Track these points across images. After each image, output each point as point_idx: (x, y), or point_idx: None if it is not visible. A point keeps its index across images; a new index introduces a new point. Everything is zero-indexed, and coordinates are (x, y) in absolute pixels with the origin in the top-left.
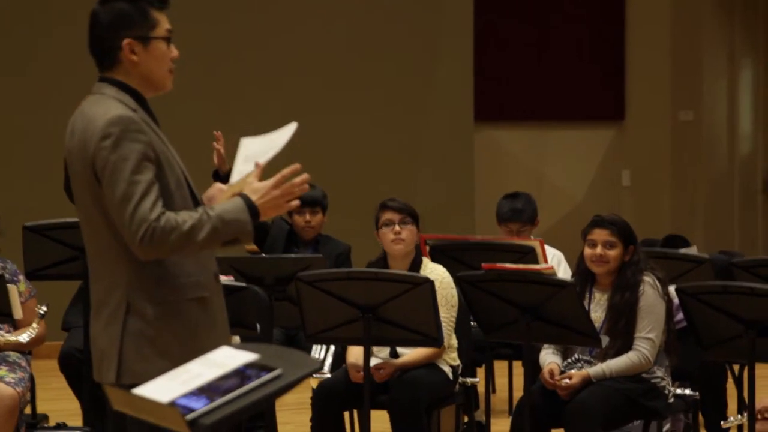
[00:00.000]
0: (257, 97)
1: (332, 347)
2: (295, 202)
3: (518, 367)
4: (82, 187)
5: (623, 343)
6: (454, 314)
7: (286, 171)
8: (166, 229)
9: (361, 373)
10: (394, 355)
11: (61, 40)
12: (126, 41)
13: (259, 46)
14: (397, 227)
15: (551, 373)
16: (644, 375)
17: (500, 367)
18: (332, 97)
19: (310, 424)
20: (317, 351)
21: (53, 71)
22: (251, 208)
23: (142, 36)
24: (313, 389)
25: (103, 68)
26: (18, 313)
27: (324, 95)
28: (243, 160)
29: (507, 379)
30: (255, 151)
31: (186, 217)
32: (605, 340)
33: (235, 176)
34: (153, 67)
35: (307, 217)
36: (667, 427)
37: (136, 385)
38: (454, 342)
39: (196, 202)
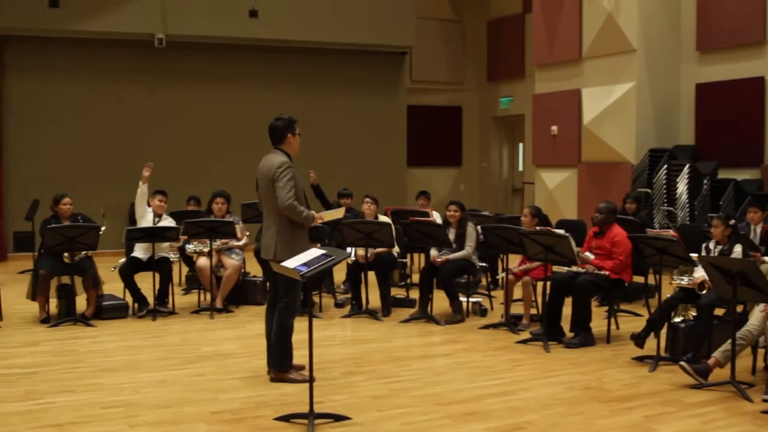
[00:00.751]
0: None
1: (354, 249)
2: (321, 220)
3: (422, 255)
4: (266, 186)
5: (461, 247)
6: (394, 234)
7: (324, 217)
8: (297, 206)
9: (363, 259)
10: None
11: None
12: (289, 135)
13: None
14: (369, 204)
15: (434, 257)
16: (470, 259)
17: (416, 255)
18: (345, 155)
19: (344, 278)
20: (349, 250)
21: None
22: (312, 218)
23: (294, 133)
24: (347, 264)
25: (275, 143)
26: (239, 234)
27: (341, 153)
28: (329, 212)
29: (418, 260)
30: (331, 211)
31: (301, 207)
32: (455, 246)
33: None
34: (296, 145)
35: (345, 200)
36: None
37: (281, 260)
38: (396, 245)
39: (306, 202)
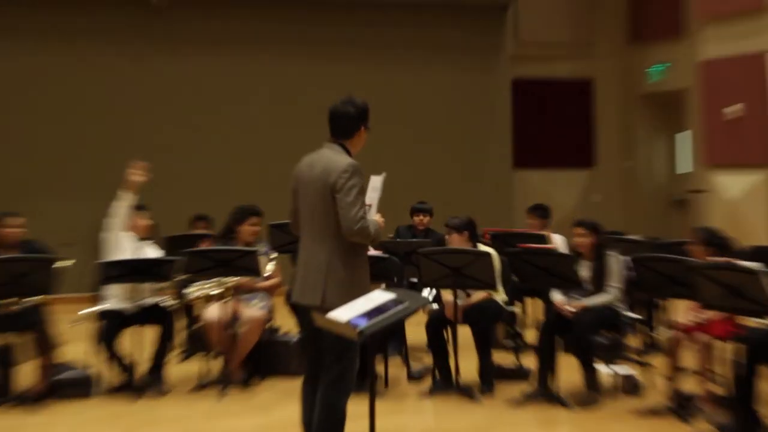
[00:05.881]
0: (383, 147)
1: (434, 290)
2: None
3: (540, 302)
4: (319, 196)
5: (599, 288)
6: (498, 274)
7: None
8: (369, 228)
9: (451, 310)
10: (469, 296)
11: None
12: (362, 128)
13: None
14: (455, 235)
15: (559, 304)
16: (614, 307)
17: (529, 301)
18: (424, 151)
19: (425, 335)
20: (426, 292)
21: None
22: (378, 227)
23: (367, 125)
24: (428, 315)
25: (338, 136)
26: (264, 271)
27: (418, 148)
28: (371, 189)
29: (533, 308)
30: (372, 186)
31: (370, 225)
32: (591, 287)
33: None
34: (362, 142)
35: (421, 217)
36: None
37: (332, 308)
38: (501, 288)
39: None
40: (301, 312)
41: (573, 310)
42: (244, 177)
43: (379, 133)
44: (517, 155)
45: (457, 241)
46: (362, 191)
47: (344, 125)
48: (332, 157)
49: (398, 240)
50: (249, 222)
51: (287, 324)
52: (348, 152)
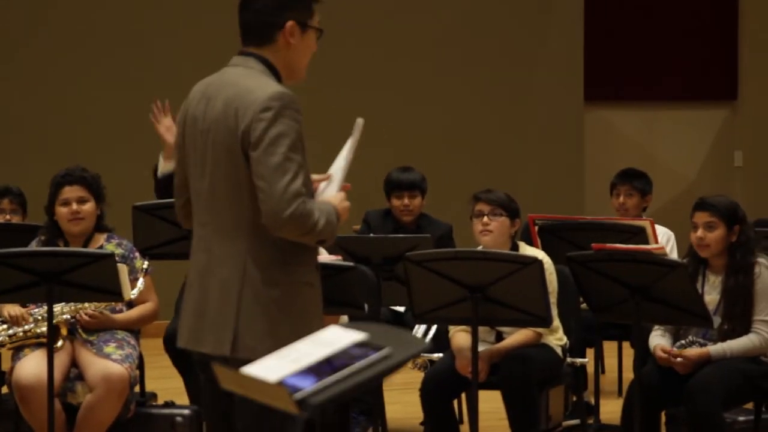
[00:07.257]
0: (366, 78)
1: (434, 327)
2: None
3: (627, 348)
4: (222, 159)
5: (740, 326)
6: (554, 299)
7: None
8: (310, 211)
9: (464, 365)
10: (499, 339)
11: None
12: (290, 23)
13: (368, 30)
14: (486, 218)
15: (664, 351)
16: (762, 358)
17: (610, 347)
18: (438, 76)
19: (419, 404)
20: (420, 330)
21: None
22: (337, 214)
23: (303, 22)
24: (425, 368)
25: (252, 43)
26: (126, 291)
27: (431, 75)
28: (340, 157)
29: (617, 360)
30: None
31: (316, 212)
32: (716, 321)
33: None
34: (301, 55)
35: (405, 200)
36: None
37: (251, 357)
38: (557, 323)
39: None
40: (195, 365)
41: (688, 356)
42: (82, 127)
43: (369, 53)
44: (592, 81)
45: (497, 232)
46: (297, 145)
47: (257, 17)
48: (243, 83)
49: (370, 236)
50: (61, 199)
51: (169, 386)
52: (274, 72)
